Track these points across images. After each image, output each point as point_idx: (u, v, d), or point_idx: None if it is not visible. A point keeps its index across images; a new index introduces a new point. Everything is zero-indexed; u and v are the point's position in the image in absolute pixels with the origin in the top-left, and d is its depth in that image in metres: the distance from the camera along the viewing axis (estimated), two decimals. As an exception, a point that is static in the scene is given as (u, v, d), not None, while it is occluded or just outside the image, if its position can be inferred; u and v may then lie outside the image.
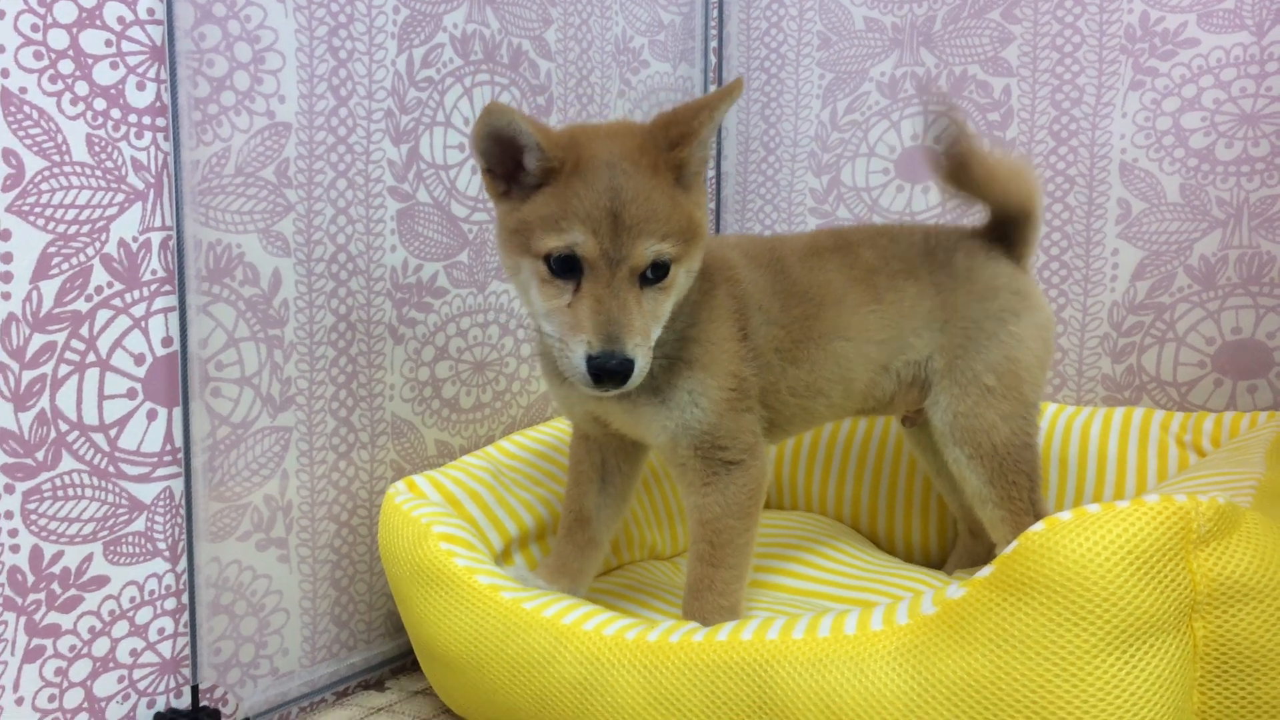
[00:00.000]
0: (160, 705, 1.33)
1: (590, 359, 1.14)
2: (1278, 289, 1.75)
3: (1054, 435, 1.75)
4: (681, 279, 1.24)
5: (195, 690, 1.34)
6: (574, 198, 1.16)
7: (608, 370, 1.14)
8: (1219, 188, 1.78)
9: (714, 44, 2.20)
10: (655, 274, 1.20)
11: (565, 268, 1.17)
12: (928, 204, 2.03)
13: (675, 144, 1.21)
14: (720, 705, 1.16)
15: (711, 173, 2.23)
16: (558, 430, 1.73)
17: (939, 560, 1.82)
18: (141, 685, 1.31)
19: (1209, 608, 1.04)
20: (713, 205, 2.25)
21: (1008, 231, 1.51)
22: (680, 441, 1.32)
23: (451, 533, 1.38)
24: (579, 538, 1.47)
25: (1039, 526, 1.05)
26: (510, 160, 1.21)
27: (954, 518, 1.79)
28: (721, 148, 2.23)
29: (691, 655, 1.20)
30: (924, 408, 1.52)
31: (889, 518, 1.85)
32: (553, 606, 1.30)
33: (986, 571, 1.08)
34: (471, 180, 1.68)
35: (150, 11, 1.25)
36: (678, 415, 1.31)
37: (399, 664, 1.62)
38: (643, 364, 1.17)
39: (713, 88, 2.21)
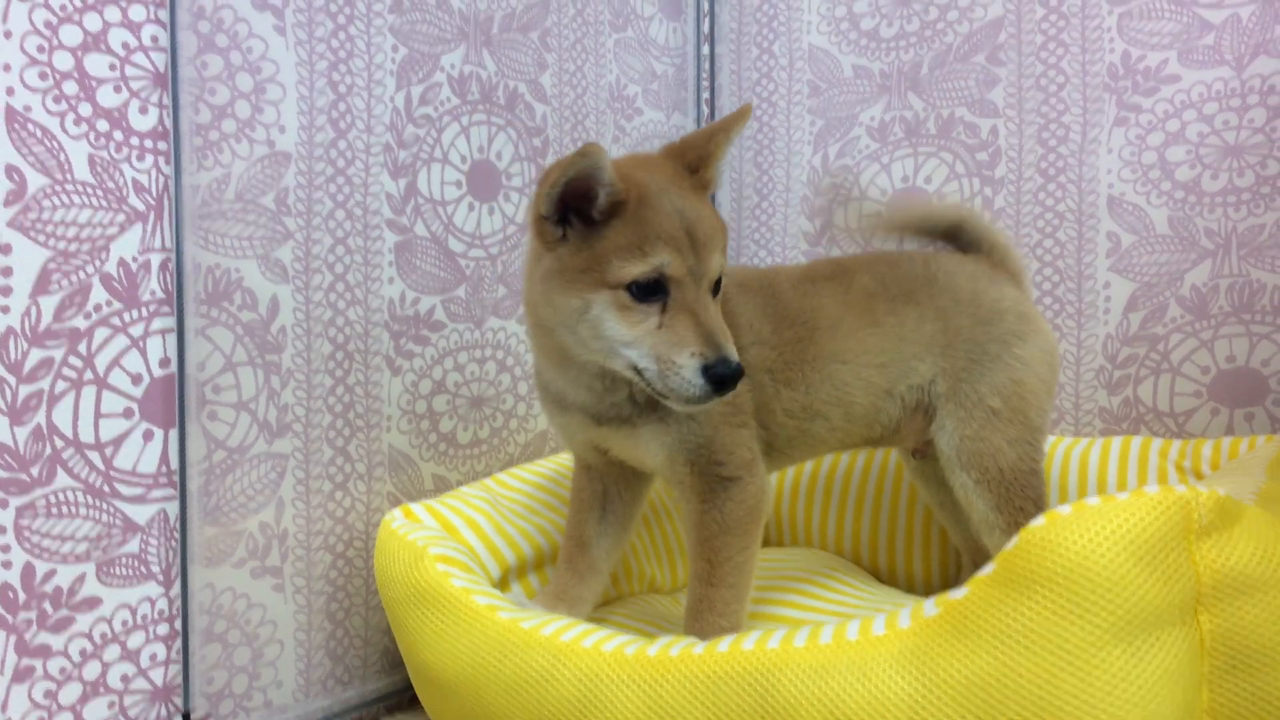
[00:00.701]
0: (151, 734, 1.30)
1: (707, 369, 1.16)
2: (1270, 317, 1.76)
3: (1053, 464, 1.74)
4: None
5: (187, 718, 1.32)
6: (650, 223, 1.19)
7: (729, 376, 1.17)
8: (1206, 218, 1.80)
9: (706, 94, 2.25)
10: (715, 287, 1.25)
11: (649, 292, 1.19)
12: (919, 244, 2.05)
13: (696, 167, 1.27)
14: (722, 716, 1.14)
15: (706, 219, 2.25)
16: (557, 465, 1.73)
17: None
18: (132, 713, 1.28)
19: (1214, 600, 1.03)
20: (707, 251, 2.27)
21: (976, 246, 1.55)
22: (677, 458, 1.32)
23: (448, 554, 1.37)
24: (579, 564, 1.46)
25: (1039, 521, 1.04)
26: (575, 201, 1.20)
27: (956, 550, 1.77)
28: (715, 195, 2.26)
29: (692, 667, 1.18)
30: (932, 437, 1.51)
31: (889, 551, 1.84)
32: (550, 625, 1.28)
33: (988, 569, 1.07)
34: (469, 217, 1.70)
35: (154, 39, 1.28)
36: (675, 431, 1.31)
37: (394, 701, 1.59)
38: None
39: (706, 137, 2.25)
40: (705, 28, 2.23)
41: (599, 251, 1.19)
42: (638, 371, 1.20)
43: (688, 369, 1.17)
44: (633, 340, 1.19)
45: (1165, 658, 1.00)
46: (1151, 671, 0.99)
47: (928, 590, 1.80)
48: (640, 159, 1.29)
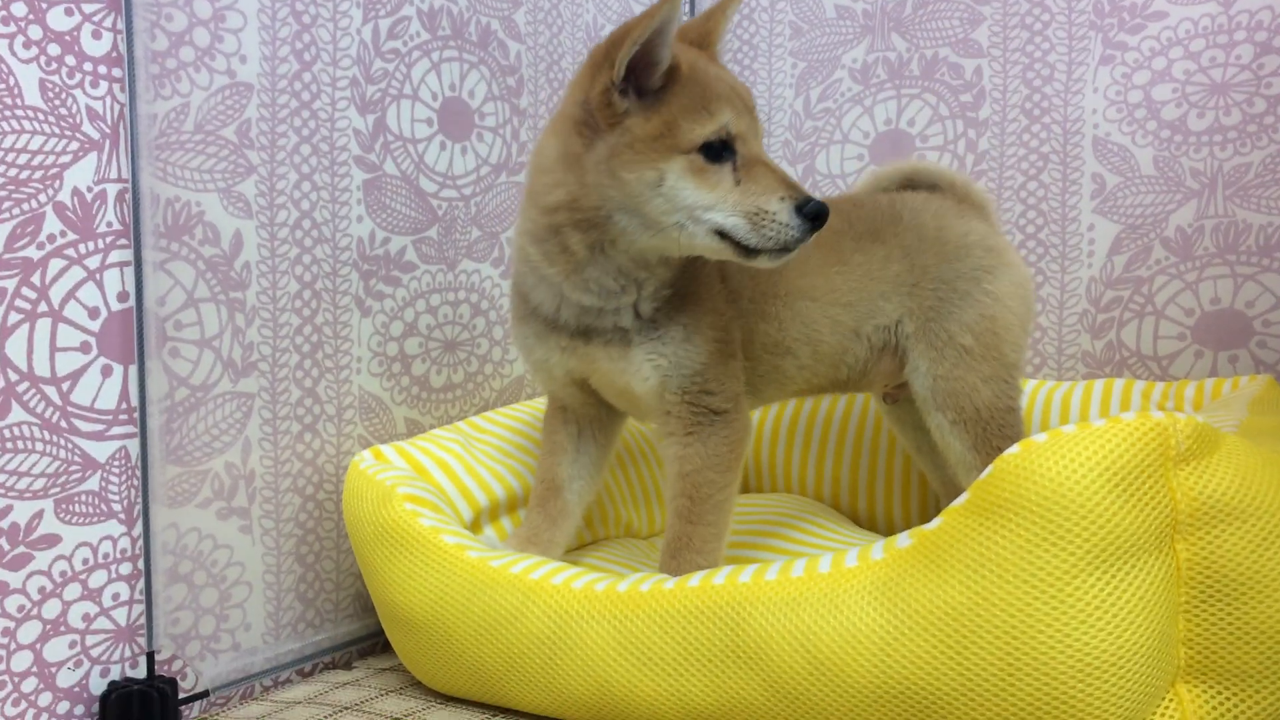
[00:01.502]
0: (115, 674, 1.28)
1: (800, 208, 1.18)
2: (1255, 257, 1.73)
3: (1034, 408, 1.72)
4: None
5: (151, 659, 1.30)
6: (708, 86, 1.20)
7: (822, 210, 1.18)
8: (1192, 158, 1.77)
9: (686, 36, 2.20)
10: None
11: (718, 152, 1.19)
12: (903, 187, 2.02)
13: (703, 45, 1.30)
14: (693, 650, 1.12)
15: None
16: (532, 409, 1.70)
17: (922, 541, 1.78)
18: (95, 653, 1.26)
19: (1191, 528, 1.01)
20: (688, 198, 2.23)
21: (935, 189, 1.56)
22: (669, 384, 1.30)
23: (416, 494, 1.34)
24: (551, 507, 1.44)
25: (1014, 449, 1.02)
26: (640, 68, 1.19)
27: (935, 494, 1.75)
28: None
29: (663, 603, 1.16)
30: (905, 379, 1.49)
31: (869, 495, 1.82)
32: (520, 564, 1.26)
33: (962, 499, 1.05)
34: (440, 156, 1.67)
35: (107, -40, 1.24)
36: (670, 352, 1.29)
37: (367, 644, 1.57)
38: None
39: (686, 80, 2.21)
40: (685, -32, 2.18)
41: (668, 117, 1.19)
42: (722, 235, 1.20)
43: (783, 213, 1.18)
44: (715, 202, 1.19)
45: (1141, 586, 0.98)
46: (1127, 600, 0.97)
47: (904, 530, 1.78)
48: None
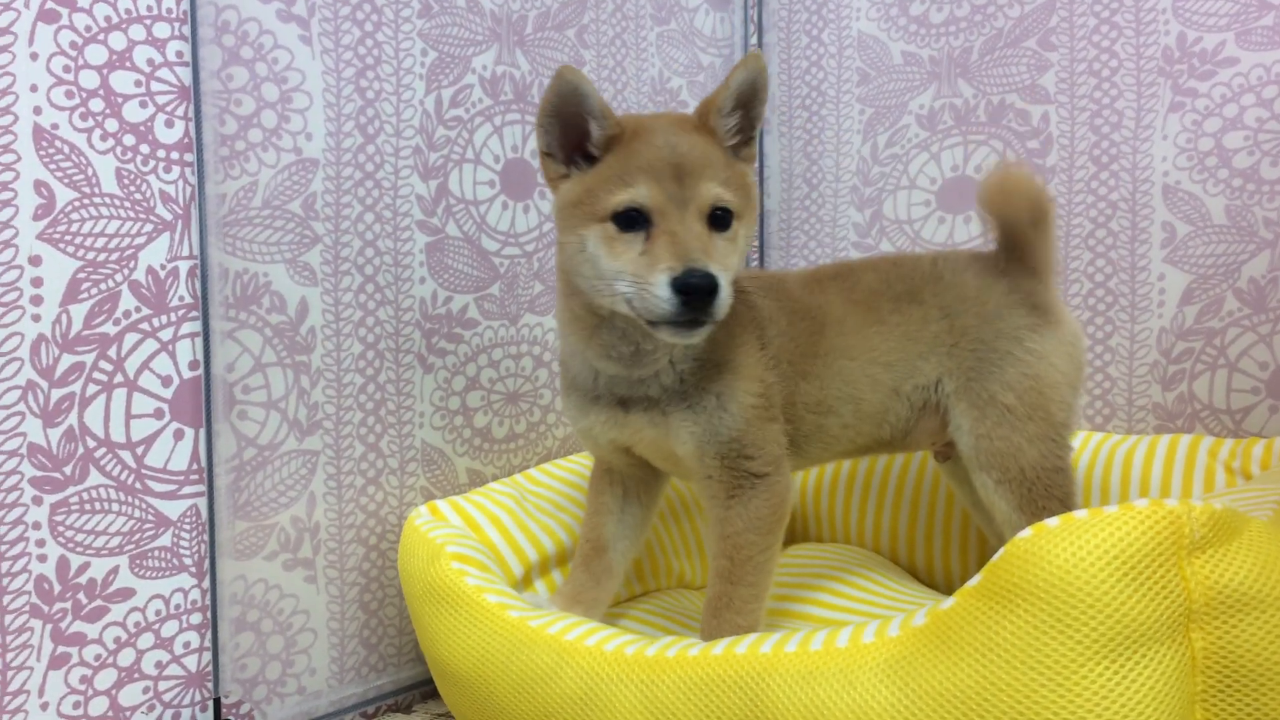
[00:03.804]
0: (185, 718, 1.37)
1: (674, 280, 1.15)
2: (1332, 310, 1.68)
3: (1096, 463, 1.70)
4: (742, 237, 1.28)
5: (219, 704, 1.38)
6: (636, 156, 1.22)
7: (692, 285, 1.14)
8: (1265, 207, 1.72)
9: (756, 84, 2.23)
10: (719, 223, 1.24)
11: (632, 222, 1.21)
12: (970, 234, 2.01)
13: (704, 117, 1.30)
14: (715, 719, 1.15)
15: (755, 210, 2.25)
16: (586, 462, 1.75)
17: (982, 594, 1.77)
18: (166, 697, 1.35)
19: (1207, 618, 1.00)
20: (757, 243, 2.26)
21: (1022, 246, 1.50)
22: (707, 450, 1.33)
23: (465, 553, 1.40)
24: (595, 566, 1.48)
25: (1026, 533, 1.03)
26: (574, 135, 1.25)
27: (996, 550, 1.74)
28: (765, 185, 2.24)
29: (687, 670, 1.19)
30: (952, 439, 1.49)
31: (928, 550, 1.81)
32: (557, 624, 1.31)
33: (975, 581, 1.06)
34: (502, 215, 1.73)
35: (179, 54, 1.33)
36: (704, 420, 1.32)
37: (428, 688, 1.64)
38: (726, 291, 1.17)
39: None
40: (754, 17, 2.21)
41: (590, 185, 1.23)
42: (628, 303, 1.20)
43: (657, 285, 1.16)
44: (619, 270, 1.20)
45: (1151, 675, 0.98)
46: (1137, 689, 0.97)
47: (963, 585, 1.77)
48: (665, 115, 1.34)
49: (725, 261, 1.22)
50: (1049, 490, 1.42)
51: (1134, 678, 0.98)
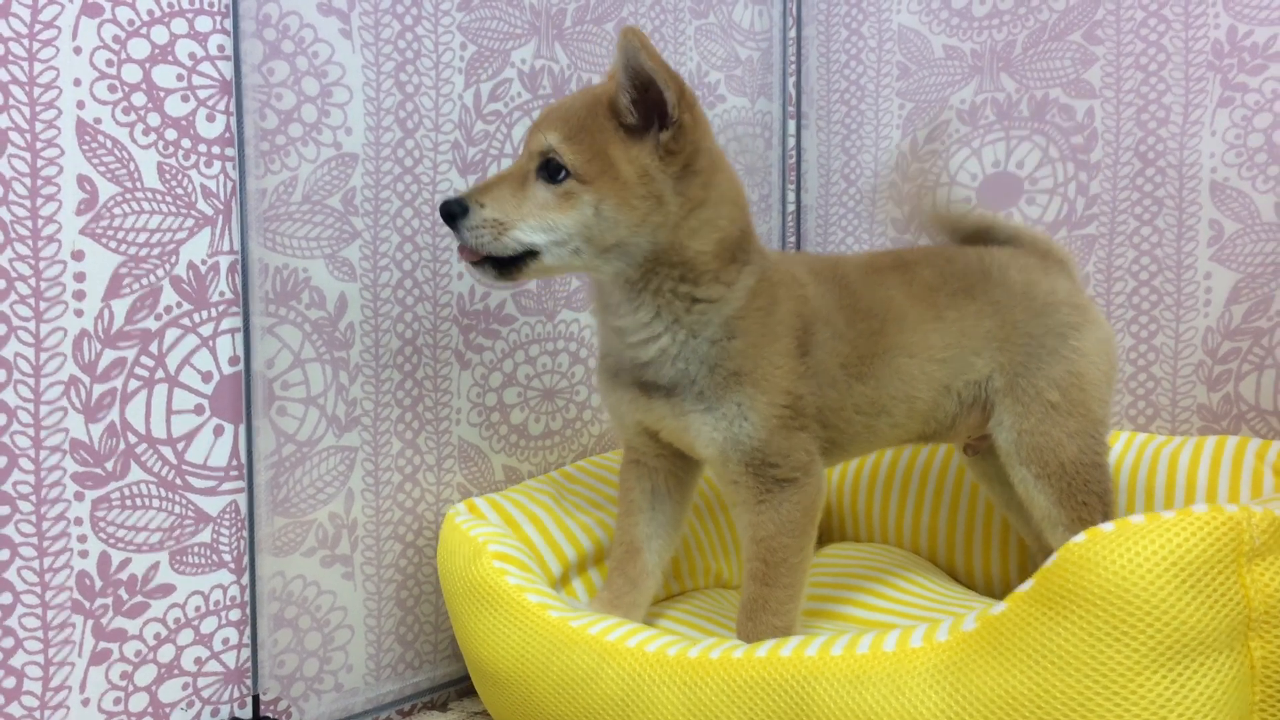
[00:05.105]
0: (224, 715, 1.37)
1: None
2: (1386, 310, 1.64)
3: (1141, 464, 1.67)
4: (587, 204, 1.24)
5: (257, 700, 1.38)
6: None
7: (443, 209, 1.24)
8: (1317, 205, 1.69)
9: (792, 78, 2.21)
10: (548, 174, 1.24)
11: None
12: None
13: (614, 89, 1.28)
14: (757, 723, 1.14)
15: (792, 206, 2.23)
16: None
17: (1023, 596, 1.75)
18: (205, 693, 1.35)
19: (1267, 625, 0.98)
20: (794, 239, 2.24)
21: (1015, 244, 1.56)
22: (730, 457, 1.31)
23: (506, 552, 1.39)
24: (631, 569, 1.46)
25: (1080, 538, 1.01)
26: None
27: (1032, 550, 1.72)
28: (802, 180, 2.22)
29: (730, 672, 1.18)
30: (988, 432, 1.48)
31: (967, 549, 1.79)
32: (598, 625, 1.30)
33: (1027, 585, 1.04)
34: (540, 211, 1.72)
35: (220, 48, 1.33)
36: (725, 428, 1.30)
37: (463, 685, 1.63)
38: (478, 220, 1.23)
39: (791, 123, 2.22)
40: (793, 10, 2.18)
41: None
42: None
43: None
44: None
45: (1209, 684, 0.95)
46: (1194, 698, 0.95)
47: (1003, 588, 1.75)
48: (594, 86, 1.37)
49: (523, 208, 1.24)
50: (1087, 485, 1.42)
51: (1191, 687, 0.96)
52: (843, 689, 1.10)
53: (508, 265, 1.25)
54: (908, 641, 1.11)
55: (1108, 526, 1.00)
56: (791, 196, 2.22)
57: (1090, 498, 1.41)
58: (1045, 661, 1.00)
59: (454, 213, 1.23)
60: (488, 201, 1.24)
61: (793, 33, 2.19)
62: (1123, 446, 1.71)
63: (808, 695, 1.12)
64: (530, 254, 1.24)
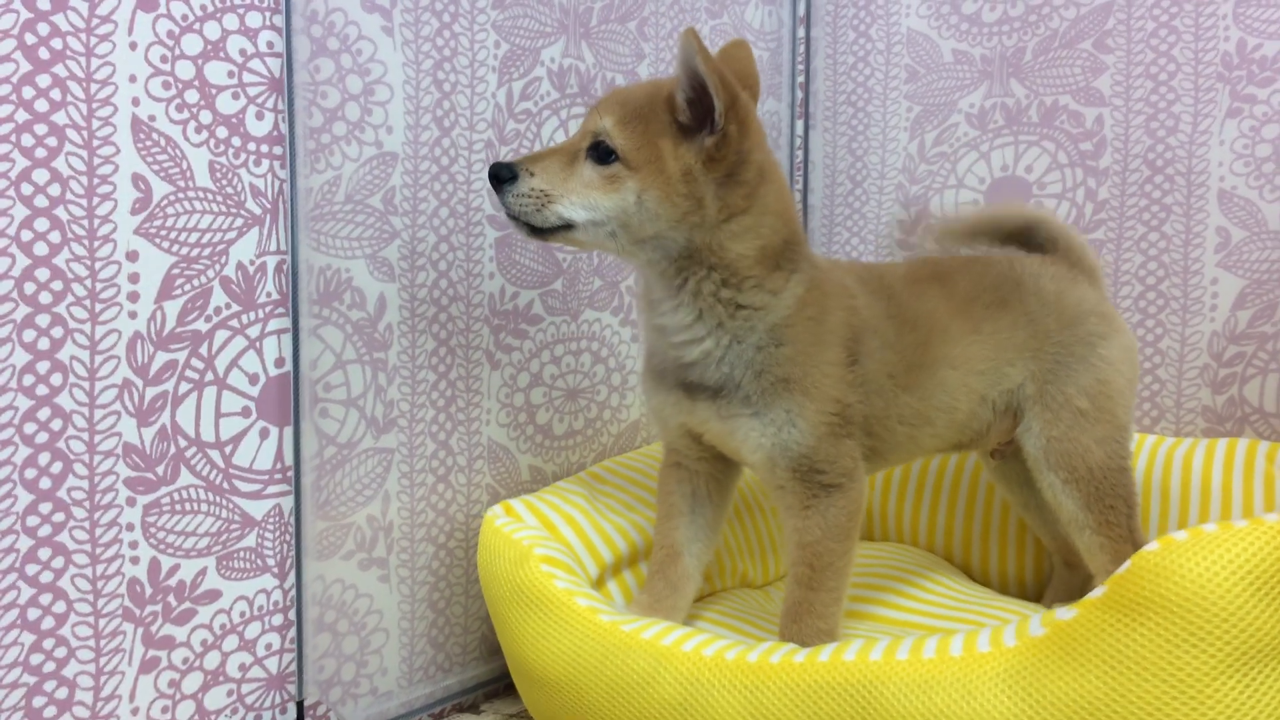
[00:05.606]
0: (266, 720, 1.35)
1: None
2: (1387, 317, 1.70)
3: (1154, 466, 1.72)
4: (630, 190, 1.24)
5: (300, 707, 1.37)
6: None
7: (491, 170, 1.26)
8: (1323, 215, 1.74)
9: (800, 79, 2.22)
10: (599, 156, 1.25)
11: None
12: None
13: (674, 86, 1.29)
14: (824, 726, 1.15)
15: (798, 206, 2.24)
16: (650, 456, 1.74)
17: (1034, 593, 1.78)
18: (249, 700, 1.33)
19: (1335, 632, 1.01)
20: (799, 238, 2.26)
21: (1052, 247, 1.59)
22: (778, 463, 1.32)
23: (552, 555, 1.39)
24: (671, 573, 1.47)
25: (1154, 546, 1.04)
26: None
27: (1049, 552, 1.76)
28: (808, 181, 2.24)
29: (793, 676, 1.19)
30: (1015, 437, 1.51)
31: (983, 550, 1.83)
32: (651, 628, 1.30)
33: (1099, 592, 1.06)
34: (567, 210, 1.71)
35: (270, 45, 1.30)
36: (773, 434, 1.31)
37: (493, 687, 1.63)
38: (525, 188, 1.25)
39: (799, 123, 2.23)
40: (801, 11, 2.20)
41: None
42: None
43: None
44: None
45: (1281, 689, 0.99)
46: (1266, 704, 0.98)
47: (1020, 589, 1.79)
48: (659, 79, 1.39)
49: (568, 184, 1.26)
50: (1114, 489, 1.46)
51: (1263, 693, 0.99)
52: (911, 693, 1.12)
53: (540, 230, 1.27)
54: (974, 646, 1.13)
55: (1180, 535, 1.03)
56: (798, 197, 2.24)
57: (1116, 501, 1.45)
58: (1120, 667, 1.02)
59: (502, 176, 1.25)
60: (538, 171, 1.25)
61: (802, 34, 2.21)
62: (1133, 448, 1.75)
63: (874, 699, 1.14)
64: (566, 225, 1.26)
